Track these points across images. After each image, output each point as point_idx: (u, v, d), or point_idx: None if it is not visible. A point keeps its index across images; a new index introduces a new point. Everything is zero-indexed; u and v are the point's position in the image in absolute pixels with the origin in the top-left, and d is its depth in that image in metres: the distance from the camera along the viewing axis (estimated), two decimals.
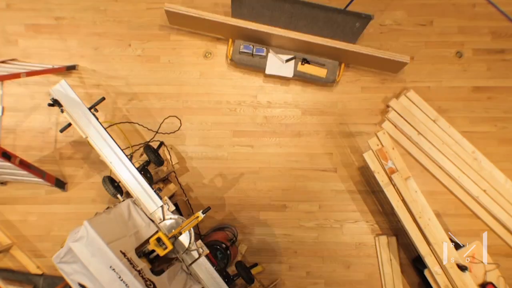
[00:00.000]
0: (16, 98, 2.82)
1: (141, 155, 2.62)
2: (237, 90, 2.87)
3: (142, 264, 1.85)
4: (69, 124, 2.16)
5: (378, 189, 2.74)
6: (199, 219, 1.97)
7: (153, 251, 1.93)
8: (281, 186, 2.82)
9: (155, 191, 2.11)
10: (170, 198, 2.27)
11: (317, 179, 2.82)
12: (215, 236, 2.63)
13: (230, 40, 2.81)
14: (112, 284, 1.73)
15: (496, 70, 2.82)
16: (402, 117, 2.74)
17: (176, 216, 2.08)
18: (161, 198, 2.10)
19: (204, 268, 2.09)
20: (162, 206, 2.09)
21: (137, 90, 2.85)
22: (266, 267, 2.78)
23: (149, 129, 2.79)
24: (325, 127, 2.85)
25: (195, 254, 2.07)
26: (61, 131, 2.18)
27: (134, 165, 2.13)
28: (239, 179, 2.83)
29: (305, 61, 2.66)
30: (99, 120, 2.15)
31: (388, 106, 2.80)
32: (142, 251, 1.94)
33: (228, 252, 2.47)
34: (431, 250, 2.32)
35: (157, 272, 1.93)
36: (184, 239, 2.03)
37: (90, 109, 2.15)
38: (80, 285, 1.80)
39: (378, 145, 2.44)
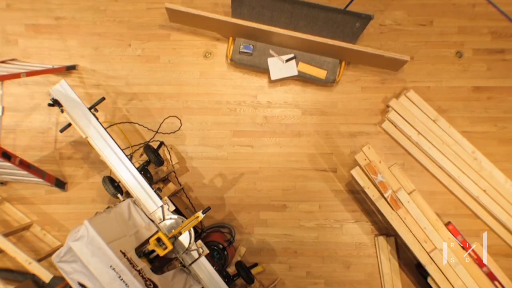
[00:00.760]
0: (16, 98, 2.82)
1: (141, 155, 2.62)
2: (237, 90, 2.87)
3: (142, 264, 1.86)
4: (69, 124, 2.17)
5: None
6: (199, 219, 1.98)
7: (153, 251, 1.93)
8: (281, 186, 2.82)
9: (155, 191, 2.11)
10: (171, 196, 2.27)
11: (317, 179, 2.82)
12: (212, 236, 2.63)
13: (230, 40, 2.81)
14: (112, 284, 1.73)
15: (496, 70, 2.82)
16: (402, 117, 2.74)
17: (176, 216, 2.09)
18: (161, 198, 2.11)
19: (204, 268, 2.09)
20: (162, 206, 2.09)
21: (137, 90, 2.85)
22: (266, 267, 2.78)
23: (149, 129, 2.79)
24: (325, 127, 2.84)
25: (195, 254, 2.07)
26: (61, 131, 2.18)
27: (134, 165, 2.13)
28: (239, 179, 2.83)
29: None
30: (99, 120, 2.15)
31: (388, 106, 2.80)
32: (142, 251, 1.94)
33: (225, 252, 2.48)
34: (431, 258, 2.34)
35: (157, 272, 1.93)
36: (184, 239, 2.03)
37: (90, 109, 2.16)
38: (80, 284, 1.80)
39: (365, 159, 2.45)
